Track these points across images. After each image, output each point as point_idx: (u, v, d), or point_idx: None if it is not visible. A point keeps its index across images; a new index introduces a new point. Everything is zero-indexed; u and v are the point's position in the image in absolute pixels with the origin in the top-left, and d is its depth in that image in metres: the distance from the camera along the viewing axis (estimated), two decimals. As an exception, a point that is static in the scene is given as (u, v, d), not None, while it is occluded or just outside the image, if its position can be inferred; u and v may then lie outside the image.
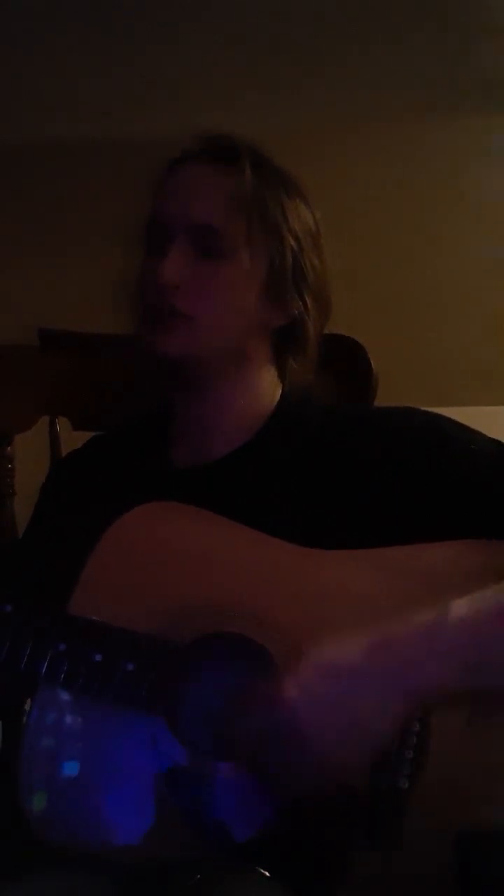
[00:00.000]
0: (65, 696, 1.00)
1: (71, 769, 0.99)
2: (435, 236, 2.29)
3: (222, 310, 1.14)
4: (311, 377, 1.21)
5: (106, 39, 2.10)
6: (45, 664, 0.99)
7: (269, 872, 0.95)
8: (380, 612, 0.97)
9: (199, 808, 0.97)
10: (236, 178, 1.14)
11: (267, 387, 1.20)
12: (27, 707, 1.01)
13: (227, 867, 0.95)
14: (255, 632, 0.99)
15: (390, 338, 1.79)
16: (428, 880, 0.95)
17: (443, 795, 0.96)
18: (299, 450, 1.16)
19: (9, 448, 1.44)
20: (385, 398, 1.33)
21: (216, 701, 1.00)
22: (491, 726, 0.98)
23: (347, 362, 1.36)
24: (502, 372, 2.20)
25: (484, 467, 1.10)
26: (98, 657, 0.99)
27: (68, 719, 1.00)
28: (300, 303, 1.17)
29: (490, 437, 1.14)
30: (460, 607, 0.95)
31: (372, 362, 1.37)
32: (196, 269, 1.13)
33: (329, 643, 0.95)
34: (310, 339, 1.19)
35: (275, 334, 1.19)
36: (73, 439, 1.38)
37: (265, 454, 1.16)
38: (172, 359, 1.13)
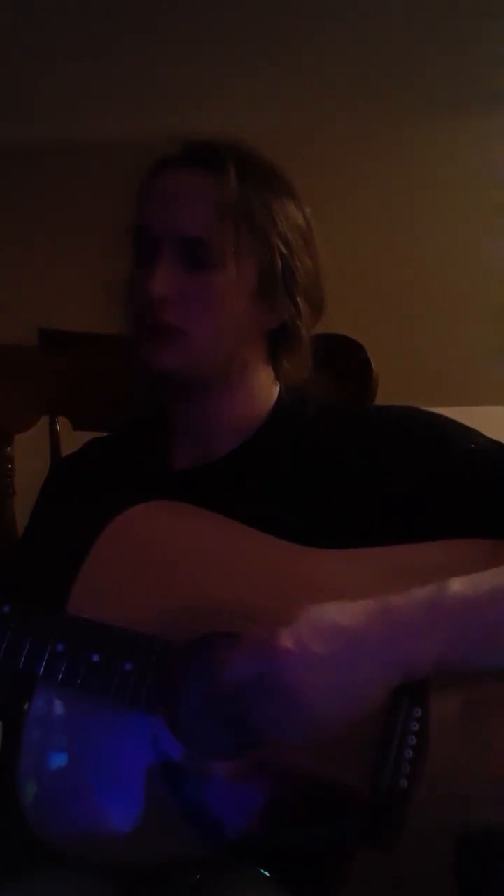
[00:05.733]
0: (64, 694, 1.00)
1: (62, 761, 0.99)
2: (436, 237, 2.29)
3: (214, 320, 1.13)
4: (306, 376, 1.21)
5: (105, 40, 2.10)
6: (43, 664, 0.99)
7: (269, 872, 0.94)
8: None
9: (197, 806, 0.97)
10: (222, 185, 1.13)
11: (263, 388, 1.20)
12: (26, 707, 1.01)
13: (227, 867, 0.95)
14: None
15: (390, 338, 1.79)
16: (428, 880, 0.94)
17: (443, 795, 0.96)
18: (298, 449, 1.16)
19: (9, 448, 1.44)
20: (385, 398, 1.33)
21: (216, 701, 1.00)
22: (491, 727, 0.98)
23: (347, 362, 1.35)
24: (502, 372, 2.20)
25: (484, 467, 1.10)
26: (96, 657, 0.99)
27: (68, 712, 1.00)
28: (291, 305, 1.17)
29: (490, 437, 1.14)
30: (459, 583, 0.97)
31: (372, 362, 1.37)
32: (185, 281, 1.12)
33: (329, 604, 0.96)
34: (303, 339, 1.19)
35: (268, 336, 1.19)
36: (73, 439, 1.38)
37: (264, 454, 1.16)
38: (168, 373, 1.13)
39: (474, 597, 0.96)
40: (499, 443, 1.13)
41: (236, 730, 0.96)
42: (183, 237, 1.12)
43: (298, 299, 1.17)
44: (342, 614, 0.96)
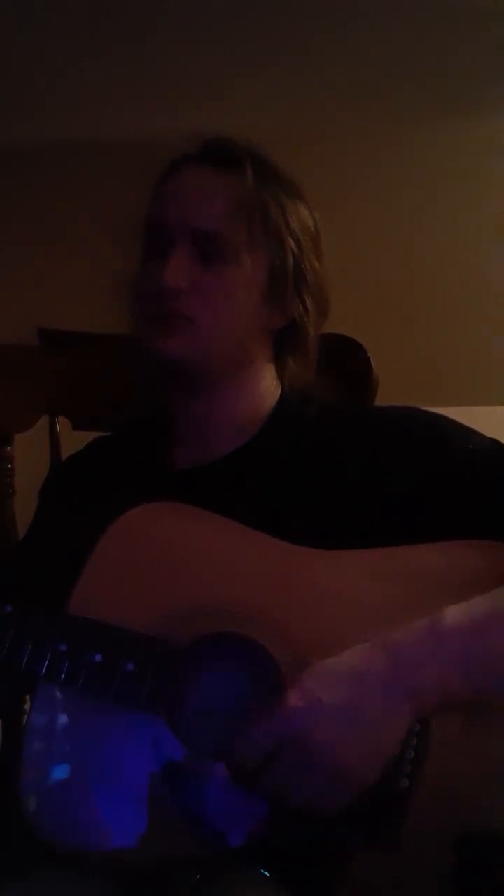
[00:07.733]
0: (65, 696, 1.00)
1: (64, 771, 0.99)
2: (435, 237, 2.30)
3: (224, 313, 1.14)
4: (310, 377, 1.21)
5: (105, 40, 2.10)
6: (46, 664, 0.99)
7: (269, 872, 0.94)
8: (379, 613, 0.98)
9: (197, 807, 0.97)
10: (238, 183, 1.14)
11: (267, 387, 1.20)
12: (27, 707, 1.01)
13: (227, 867, 0.95)
14: (256, 632, 0.99)
15: (390, 338, 1.79)
16: (428, 880, 0.94)
17: (443, 795, 0.96)
18: (299, 450, 1.16)
19: (9, 448, 1.44)
20: (385, 398, 1.33)
21: (217, 701, 1.00)
22: (491, 727, 0.98)
23: (347, 362, 1.35)
24: (502, 372, 2.20)
25: (483, 467, 1.10)
26: (98, 657, 0.99)
27: (68, 720, 1.00)
28: (300, 305, 1.17)
29: (489, 437, 1.14)
30: (456, 611, 0.97)
31: (372, 362, 1.37)
32: (198, 273, 1.13)
33: (330, 654, 0.95)
34: (309, 340, 1.20)
35: (274, 335, 1.20)
36: (73, 439, 1.38)
37: (266, 454, 1.16)
38: (172, 361, 1.13)
39: (472, 623, 0.96)
40: (499, 443, 1.13)
41: (272, 804, 0.95)
42: (197, 230, 1.13)
43: (307, 298, 1.17)
44: (343, 659, 0.95)
